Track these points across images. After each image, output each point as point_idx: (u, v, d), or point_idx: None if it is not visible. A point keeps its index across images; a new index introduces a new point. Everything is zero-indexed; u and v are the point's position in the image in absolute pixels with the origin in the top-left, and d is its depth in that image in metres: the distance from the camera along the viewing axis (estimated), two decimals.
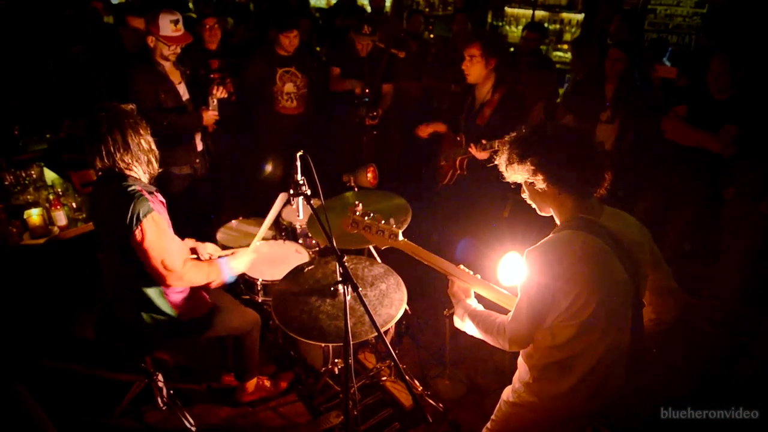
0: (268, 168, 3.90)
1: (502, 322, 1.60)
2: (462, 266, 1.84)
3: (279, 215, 3.31)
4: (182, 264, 2.12)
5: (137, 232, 1.99)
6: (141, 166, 2.11)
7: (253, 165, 4.06)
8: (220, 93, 3.35)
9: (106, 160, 2.03)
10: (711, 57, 3.10)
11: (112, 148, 2.00)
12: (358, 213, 1.96)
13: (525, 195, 1.64)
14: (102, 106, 2.05)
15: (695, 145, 3.21)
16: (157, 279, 2.13)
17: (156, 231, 2.02)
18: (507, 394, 1.75)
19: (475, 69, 3.07)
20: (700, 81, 3.22)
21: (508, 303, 1.74)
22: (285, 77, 3.78)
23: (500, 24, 6.54)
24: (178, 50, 3.18)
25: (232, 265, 2.36)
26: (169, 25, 3.07)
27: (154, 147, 2.15)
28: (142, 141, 2.08)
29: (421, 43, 4.74)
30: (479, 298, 1.86)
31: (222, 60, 3.87)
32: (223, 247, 3.05)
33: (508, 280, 2.02)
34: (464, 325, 1.76)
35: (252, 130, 3.84)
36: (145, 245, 2.01)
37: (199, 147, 3.48)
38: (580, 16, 5.92)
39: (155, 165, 2.17)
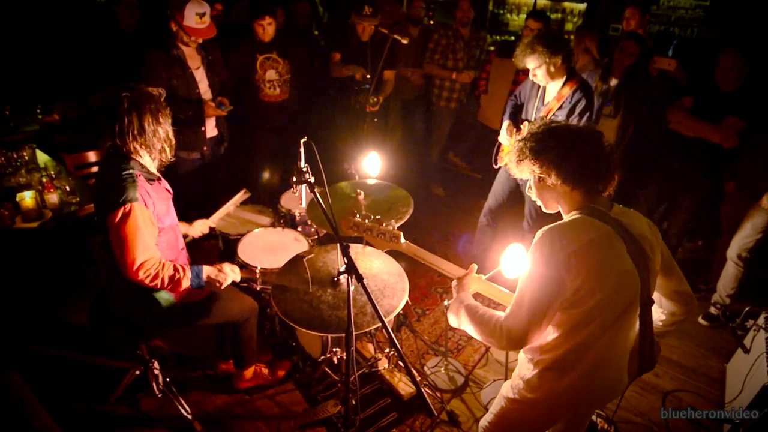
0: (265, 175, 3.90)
1: (499, 318, 1.52)
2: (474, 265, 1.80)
3: (278, 206, 3.27)
4: (141, 264, 1.99)
5: (112, 215, 1.96)
6: (153, 153, 2.09)
7: (241, 153, 3.98)
8: (225, 106, 3.32)
9: (117, 140, 2.01)
10: (720, 51, 3.07)
11: (126, 129, 1.98)
12: (358, 216, 1.91)
13: (531, 192, 1.63)
14: (128, 85, 2.02)
15: (697, 136, 3.22)
16: (118, 266, 2.03)
17: (128, 221, 1.96)
18: (506, 389, 1.72)
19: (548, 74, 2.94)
20: (706, 73, 3.20)
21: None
22: (266, 64, 3.64)
23: (501, 12, 6.46)
24: (200, 40, 3.13)
25: (204, 272, 2.21)
26: (194, 17, 3.01)
27: (171, 136, 2.13)
28: (160, 129, 2.06)
29: (422, 29, 4.66)
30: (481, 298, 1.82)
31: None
32: (221, 233, 3.03)
33: (511, 272, 2.00)
34: (459, 319, 1.67)
35: (238, 119, 3.74)
36: (114, 230, 1.97)
37: (210, 133, 3.43)
38: (583, 6, 5.86)
39: (168, 154, 2.15)
